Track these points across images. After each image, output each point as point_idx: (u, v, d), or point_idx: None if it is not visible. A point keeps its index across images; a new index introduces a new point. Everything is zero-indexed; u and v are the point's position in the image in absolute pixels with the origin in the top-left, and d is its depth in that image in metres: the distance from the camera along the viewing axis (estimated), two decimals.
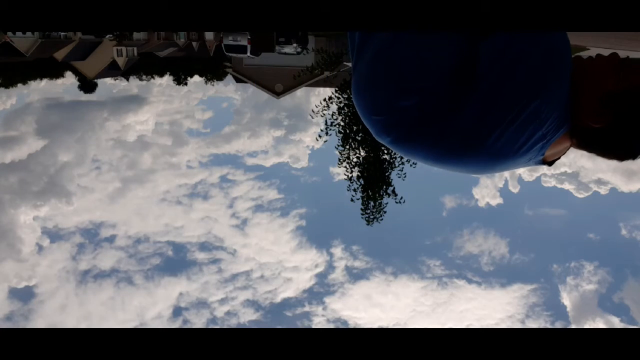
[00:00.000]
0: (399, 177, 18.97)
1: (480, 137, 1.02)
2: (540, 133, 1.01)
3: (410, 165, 18.67)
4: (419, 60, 1.03)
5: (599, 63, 1.04)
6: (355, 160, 19.33)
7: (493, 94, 0.99)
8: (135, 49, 42.01)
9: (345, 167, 19.35)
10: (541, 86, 0.98)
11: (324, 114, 19.86)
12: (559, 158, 1.13)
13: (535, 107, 0.97)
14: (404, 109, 1.05)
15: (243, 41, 24.14)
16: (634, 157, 1.02)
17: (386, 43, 1.07)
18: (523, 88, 0.97)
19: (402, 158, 18.74)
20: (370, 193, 18.94)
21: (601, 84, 1.01)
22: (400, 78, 1.04)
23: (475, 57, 1.00)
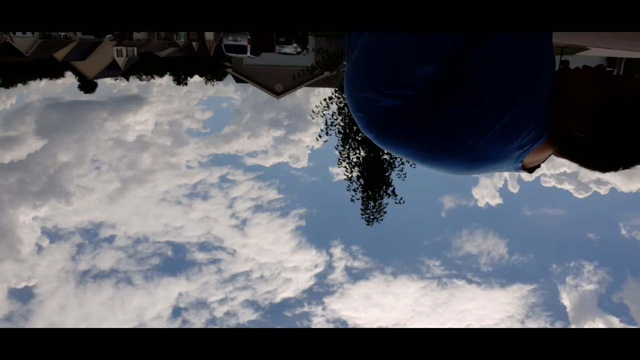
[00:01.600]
0: (399, 177, 19.01)
1: (458, 141, 1.03)
2: (517, 144, 1.01)
3: (411, 166, 18.68)
4: (400, 62, 1.04)
5: (586, 73, 1.05)
6: (355, 160, 19.35)
7: (473, 101, 1.00)
8: (135, 49, 41.99)
9: (345, 167, 19.37)
10: (519, 96, 0.98)
11: (324, 114, 19.89)
12: (539, 166, 1.14)
13: (511, 117, 0.98)
14: (386, 107, 1.07)
15: (243, 41, 24.10)
16: (616, 169, 1.02)
17: (368, 43, 1.10)
18: (500, 98, 0.98)
19: (402, 158, 18.71)
20: (370, 193, 18.94)
21: (589, 93, 1.01)
22: (381, 77, 1.07)
23: (464, 63, 1.01)
